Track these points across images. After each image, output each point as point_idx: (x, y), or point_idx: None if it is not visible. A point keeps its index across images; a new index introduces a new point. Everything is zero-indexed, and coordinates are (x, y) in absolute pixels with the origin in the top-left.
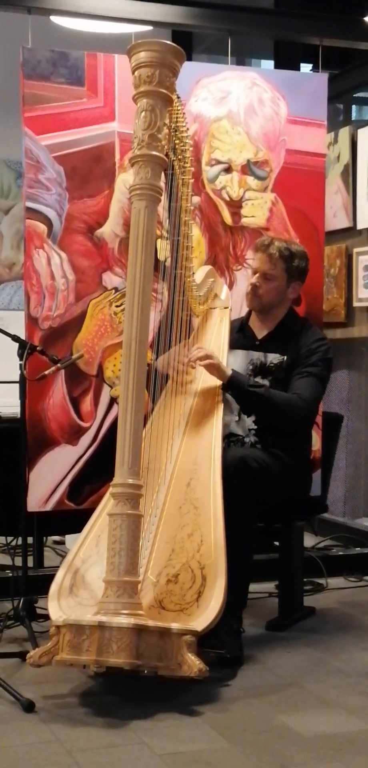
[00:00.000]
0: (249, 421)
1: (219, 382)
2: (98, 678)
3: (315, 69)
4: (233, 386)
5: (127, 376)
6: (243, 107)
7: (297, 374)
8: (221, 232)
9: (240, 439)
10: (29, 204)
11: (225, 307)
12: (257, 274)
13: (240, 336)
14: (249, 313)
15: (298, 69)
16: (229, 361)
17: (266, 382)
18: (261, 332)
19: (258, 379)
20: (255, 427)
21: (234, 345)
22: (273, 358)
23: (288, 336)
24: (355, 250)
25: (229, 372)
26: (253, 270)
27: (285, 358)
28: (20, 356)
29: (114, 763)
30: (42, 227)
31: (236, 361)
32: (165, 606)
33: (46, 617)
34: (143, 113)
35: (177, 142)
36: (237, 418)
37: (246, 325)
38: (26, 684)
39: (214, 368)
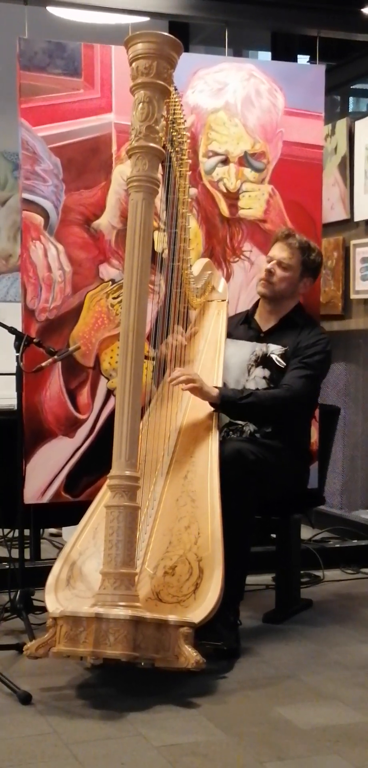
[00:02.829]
0: None
1: (216, 375)
2: (95, 670)
3: (312, 60)
4: (224, 405)
5: (124, 368)
6: (240, 99)
7: (292, 365)
8: (218, 224)
9: (240, 428)
10: (26, 195)
11: (223, 300)
12: (273, 261)
13: (245, 327)
14: (255, 306)
15: (295, 60)
16: (232, 350)
17: (266, 373)
18: (266, 325)
19: (260, 370)
20: None
21: (238, 336)
22: (276, 349)
23: (292, 329)
24: (352, 242)
25: (215, 392)
26: (269, 258)
27: (287, 348)
28: (17, 348)
29: (111, 755)
30: (39, 219)
31: (240, 352)
32: (162, 598)
33: (43, 609)
34: (140, 105)
35: (174, 134)
36: None
37: (251, 318)
38: (23, 676)
39: (198, 391)
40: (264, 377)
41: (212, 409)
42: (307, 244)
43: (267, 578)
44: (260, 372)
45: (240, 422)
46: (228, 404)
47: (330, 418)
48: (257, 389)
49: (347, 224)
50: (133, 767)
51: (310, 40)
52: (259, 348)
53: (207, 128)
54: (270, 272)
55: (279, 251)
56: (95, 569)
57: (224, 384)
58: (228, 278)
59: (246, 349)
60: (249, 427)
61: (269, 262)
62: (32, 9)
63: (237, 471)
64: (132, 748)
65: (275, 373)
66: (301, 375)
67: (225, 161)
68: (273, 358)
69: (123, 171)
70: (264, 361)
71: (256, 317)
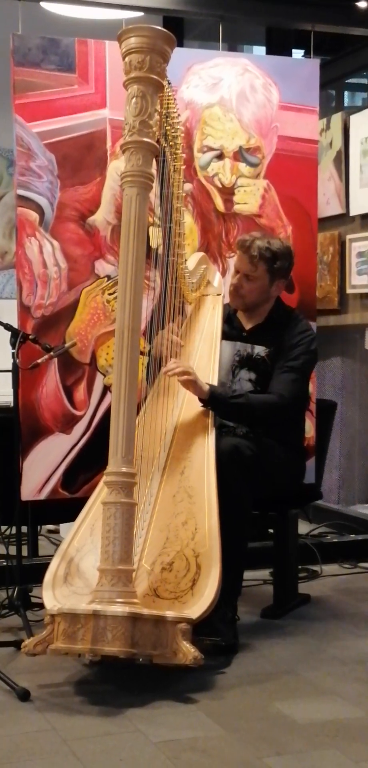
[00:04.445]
0: None
1: (212, 371)
2: (93, 667)
3: (307, 55)
4: (213, 401)
5: (120, 364)
6: (235, 94)
7: (279, 369)
8: (213, 219)
9: (231, 429)
10: (21, 192)
11: (218, 294)
12: (238, 274)
13: (227, 326)
14: None
15: (290, 55)
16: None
17: (251, 375)
18: (248, 324)
19: (245, 372)
20: None
21: (222, 335)
22: (260, 350)
23: (276, 328)
24: (348, 236)
25: (206, 388)
26: (235, 269)
27: (271, 350)
28: (13, 345)
29: (109, 751)
30: (34, 215)
31: (223, 352)
32: (159, 594)
33: (41, 606)
34: (134, 99)
35: (168, 128)
36: None
37: (233, 316)
38: (21, 673)
39: (191, 384)
40: (250, 380)
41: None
42: (270, 252)
43: (264, 573)
44: (245, 374)
45: (231, 424)
46: (218, 402)
47: (326, 412)
48: (249, 392)
49: (343, 219)
50: (132, 763)
51: (305, 35)
52: (243, 348)
53: (202, 123)
54: (237, 286)
55: (242, 264)
56: (93, 566)
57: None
58: (223, 274)
59: (229, 350)
60: (242, 429)
61: (235, 274)
62: (26, 5)
63: (233, 467)
64: (130, 745)
65: (261, 375)
66: (290, 379)
67: (221, 156)
68: (259, 360)
69: (118, 167)
70: (249, 362)
71: (238, 316)
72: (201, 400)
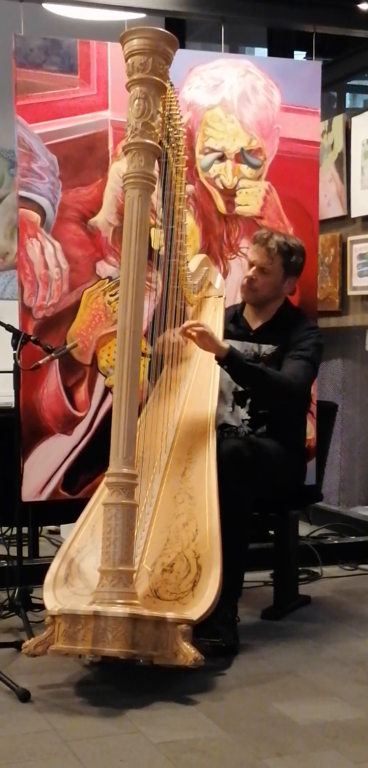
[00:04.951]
0: (242, 412)
1: (214, 372)
2: (93, 667)
3: (308, 57)
4: (231, 360)
5: (121, 366)
6: (236, 95)
7: (289, 357)
8: (215, 221)
9: (234, 429)
10: (22, 193)
11: (220, 296)
12: (254, 267)
13: (234, 326)
14: (243, 304)
15: (292, 57)
16: None
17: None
18: (255, 323)
19: None
20: (249, 417)
21: (227, 335)
22: (267, 349)
23: (283, 327)
24: (349, 238)
25: (226, 345)
26: (250, 263)
27: (277, 348)
28: (14, 346)
29: (109, 751)
30: (35, 216)
31: None
32: (160, 595)
33: (42, 607)
34: (136, 101)
35: (170, 130)
36: (230, 408)
37: (240, 316)
38: (22, 673)
39: (208, 338)
40: None
41: (210, 407)
42: (287, 247)
43: (265, 575)
44: None
45: (234, 423)
46: (235, 361)
47: (327, 414)
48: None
49: (344, 221)
50: (132, 764)
51: (306, 36)
52: (250, 348)
53: (204, 125)
54: (251, 279)
55: (259, 257)
56: (93, 566)
57: (220, 390)
58: (225, 275)
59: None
60: (244, 429)
61: (250, 267)
62: (28, 6)
63: (234, 468)
64: (131, 745)
65: None
66: (302, 365)
67: (222, 158)
68: (265, 359)
69: (119, 168)
70: (255, 361)
71: (245, 315)
72: (217, 358)
